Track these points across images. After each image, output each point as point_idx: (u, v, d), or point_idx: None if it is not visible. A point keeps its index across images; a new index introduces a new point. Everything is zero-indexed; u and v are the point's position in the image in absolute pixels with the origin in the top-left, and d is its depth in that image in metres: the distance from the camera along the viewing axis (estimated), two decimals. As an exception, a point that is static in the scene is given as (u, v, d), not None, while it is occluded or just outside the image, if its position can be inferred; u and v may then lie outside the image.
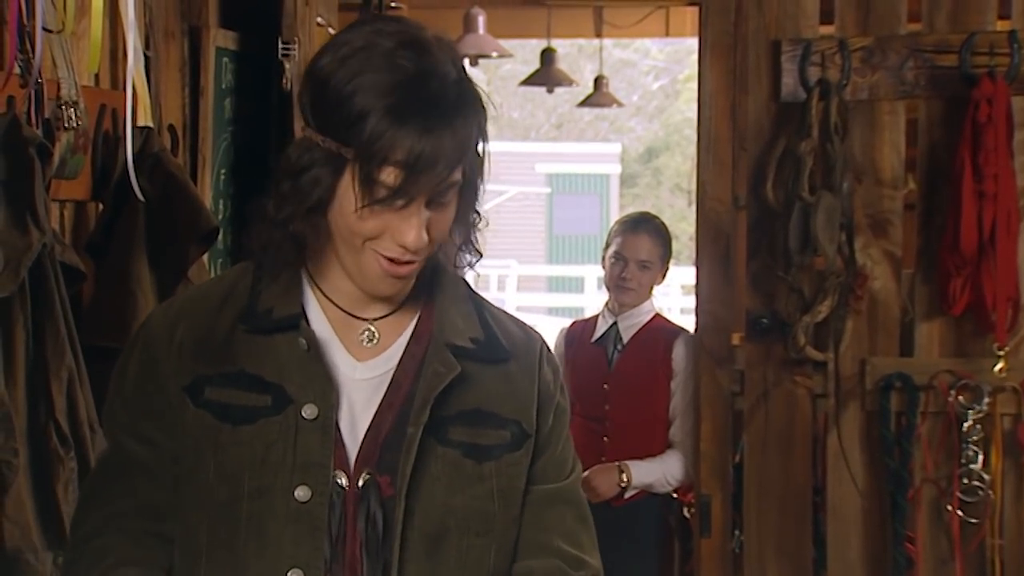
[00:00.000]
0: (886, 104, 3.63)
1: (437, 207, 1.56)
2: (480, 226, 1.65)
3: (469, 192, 1.59)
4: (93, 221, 2.71)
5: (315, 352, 1.61)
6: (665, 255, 4.02)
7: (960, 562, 3.66)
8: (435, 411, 1.61)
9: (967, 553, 3.67)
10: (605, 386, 3.90)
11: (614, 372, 3.93)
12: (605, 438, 3.89)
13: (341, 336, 1.64)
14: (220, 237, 2.99)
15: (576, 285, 21.69)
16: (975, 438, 3.61)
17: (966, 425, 3.61)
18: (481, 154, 1.59)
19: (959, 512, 3.64)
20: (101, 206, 2.69)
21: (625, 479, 3.84)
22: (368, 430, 1.61)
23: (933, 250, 3.62)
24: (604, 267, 4.05)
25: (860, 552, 3.74)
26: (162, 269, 2.66)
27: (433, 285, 1.67)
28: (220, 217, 3.36)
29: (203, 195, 3.13)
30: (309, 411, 1.59)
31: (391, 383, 1.63)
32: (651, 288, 4.01)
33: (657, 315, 4.05)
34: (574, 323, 4.20)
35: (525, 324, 1.75)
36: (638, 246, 3.96)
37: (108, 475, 1.66)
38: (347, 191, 1.54)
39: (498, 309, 1.73)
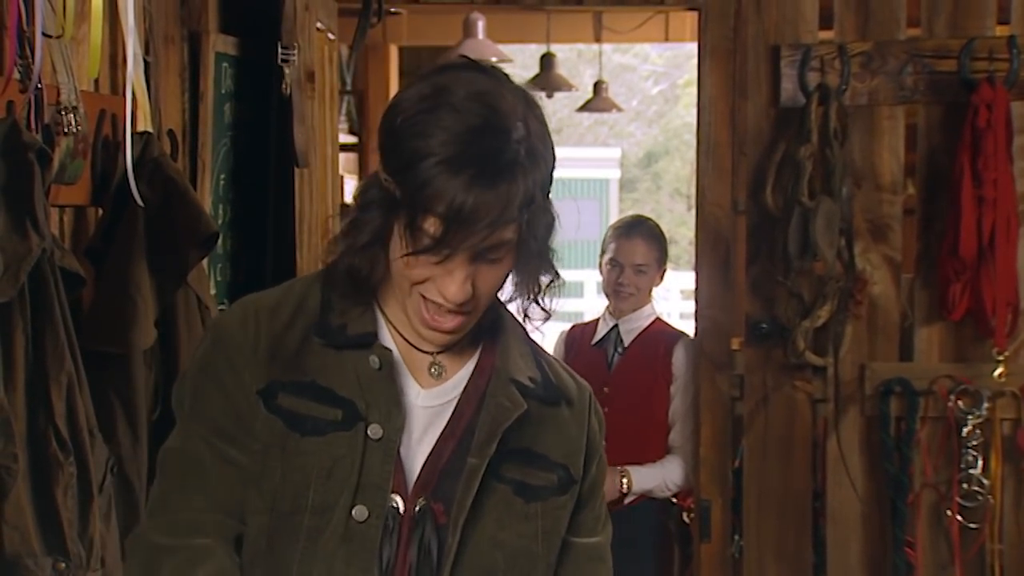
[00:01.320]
0: (885, 109, 3.63)
1: (487, 263, 1.53)
2: (552, 287, 1.61)
3: (527, 252, 1.54)
4: (93, 226, 2.71)
5: (387, 372, 1.60)
6: (661, 258, 4.00)
7: (960, 567, 3.65)
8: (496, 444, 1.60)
9: (967, 558, 3.67)
10: (605, 389, 3.84)
11: (614, 375, 3.90)
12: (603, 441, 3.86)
13: (408, 363, 1.63)
14: (220, 242, 2.99)
15: (576, 290, 21.70)
16: (975, 443, 3.61)
17: (966, 430, 3.61)
18: (545, 214, 1.54)
19: (959, 517, 3.64)
20: (101, 211, 2.69)
21: (626, 484, 3.81)
22: (429, 457, 1.60)
23: (933, 255, 3.62)
24: (601, 273, 4.05)
25: (860, 557, 3.73)
26: (162, 274, 2.66)
27: (495, 322, 1.66)
28: (220, 222, 3.36)
29: (203, 200, 3.13)
30: (375, 431, 1.58)
31: (454, 412, 1.62)
32: (649, 291, 4.00)
33: (658, 319, 4.02)
34: (573, 327, 4.17)
35: (574, 372, 1.75)
36: (633, 250, 3.94)
37: (189, 470, 1.61)
38: (398, 234, 1.53)
39: (548, 354, 1.73)
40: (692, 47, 3.91)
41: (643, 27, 7.63)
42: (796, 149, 3.57)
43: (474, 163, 1.46)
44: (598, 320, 4.07)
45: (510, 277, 1.59)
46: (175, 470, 1.63)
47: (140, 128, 2.73)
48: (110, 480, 2.37)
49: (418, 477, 1.60)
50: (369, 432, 1.57)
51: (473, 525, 1.59)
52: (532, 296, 1.61)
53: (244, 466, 1.59)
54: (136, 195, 2.59)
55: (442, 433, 1.61)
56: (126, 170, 2.58)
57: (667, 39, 7.89)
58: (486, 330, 1.65)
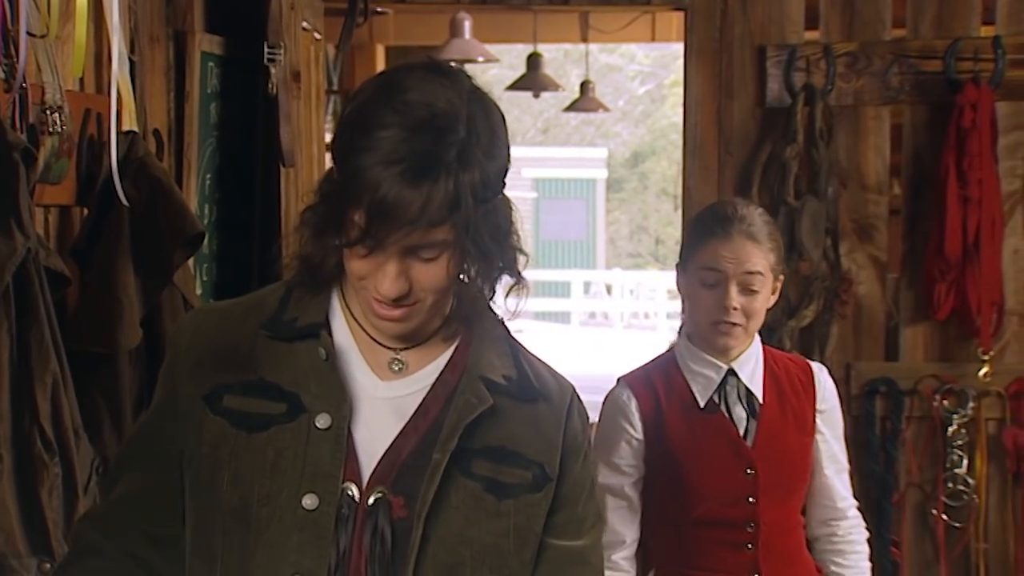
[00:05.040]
0: (871, 109, 3.64)
1: (421, 261, 1.53)
2: (510, 284, 1.61)
3: (467, 253, 1.54)
4: (78, 226, 2.70)
5: (333, 362, 1.60)
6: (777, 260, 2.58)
7: (945, 566, 3.67)
8: (462, 442, 1.60)
9: (952, 557, 3.68)
10: (749, 471, 2.54)
11: (758, 446, 2.56)
12: (750, 546, 2.55)
13: (366, 354, 1.64)
14: (205, 242, 2.99)
15: (563, 290, 21.70)
16: (960, 442, 3.62)
17: (951, 429, 3.62)
18: (489, 217, 1.54)
19: (944, 516, 3.65)
20: (86, 211, 2.69)
21: None
22: (388, 449, 1.60)
23: (918, 255, 3.63)
24: (680, 291, 2.66)
25: (845, 556, 3.74)
26: (147, 274, 2.65)
27: (472, 320, 1.65)
28: (205, 222, 3.35)
29: (188, 200, 3.12)
30: (323, 420, 1.58)
31: (419, 407, 1.62)
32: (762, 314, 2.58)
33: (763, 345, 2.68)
34: (634, 382, 2.61)
35: (557, 372, 1.73)
36: (741, 253, 2.52)
37: (123, 466, 1.69)
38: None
39: (533, 354, 1.71)
40: (679, 47, 3.92)
41: (630, 27, 7.64)
42: (782, 149, 3.57)
43: (403, 160, 1.47)
44: (671, 362, 2.61)
45: (465, 277, 1.58)
46: (115, 462, 1.73)
47: (125, 127, 2.72)
48: (95, 480, 2.37)
49: (376, 468, 1.59)
50: (317, 422, 1.58)
51: (440, 521, 1.58)
52: (486, 297, 1.61)
53: (176, 466, 1.63)
54: (121, 195, 2.59)
55: (404, 427, 1.61)
56: (111, 170, 2.58)
57: (654, 39, 7.91)
58: (461, 328, 1.65)
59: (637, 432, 2.56)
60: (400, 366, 1.64)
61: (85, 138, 2.63)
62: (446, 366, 1.64)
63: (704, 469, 2.56)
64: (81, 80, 2.67)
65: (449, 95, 1.52)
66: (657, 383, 2.59)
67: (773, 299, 2.57)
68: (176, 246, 2.70)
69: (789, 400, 2.60)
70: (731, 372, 2.56)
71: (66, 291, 2.45)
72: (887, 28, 3.65)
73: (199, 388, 1.62)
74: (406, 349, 1.64)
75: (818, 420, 2.62)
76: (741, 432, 2.56)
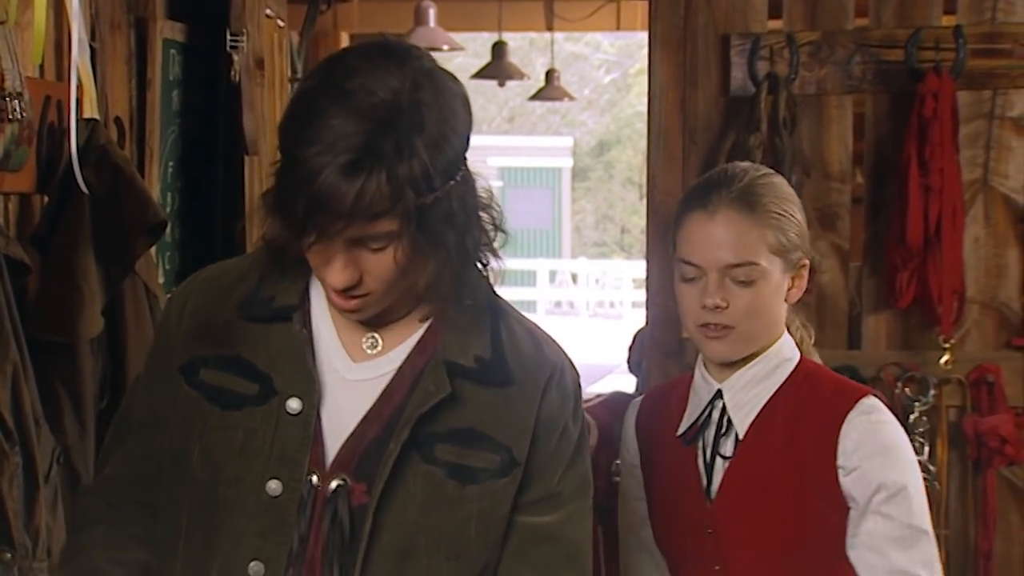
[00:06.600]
0: (834, 98, 3.66)
1: (369, 251, 1.51)
2: (480, 267, 1.61)
3: (418, 240, 1.51)
4: (38, 214, 2.68)
5: (307, 344, 1.60)
6: (786, 242, 1.98)
7: (906, 552, 3.69)
8: (424, 427, 1.58)
9: (913, 543, 3.71)
10: (709, 531, 1.98)
11: (719, 502, 1.97)
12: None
13: (342, 335, 1.62)
14: (168, 230, 2.97)
15: (529, 278, 21.71)
16: (921, 430, 3.64)
17: (912, 417, 3.64)
18: (439, 205, 1.50)
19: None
20: (46, 199, 2.67)
21: None
22: (351, 435, 1.59)
23: (880, 243, 3.65)
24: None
25: (808, 543, 3.76)
26: (108, 263, 2.63)
27: (449, 296, 1.60)
28: (168, 210, 3.33)
29: (150, 188, 3.11)
30: (293, 405, 1.58)
31: (384, 391, 1.61)
32: (773, 313, 1.98)
33: (806, 365, 2.02)
34: (645, 397, 2.18)
35: (546, 343, 1.66)
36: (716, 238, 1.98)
37: (113, 436, 1.71)
38: None
39: (522, 326, 1.65)
40: (643, 36, 3.93)
41: (594, 16, 7.64)
42: (746, 138, 3.58)
43: (341, 152, 1.45)
44: (690, 378, 2.08)
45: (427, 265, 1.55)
46: (109, 434, 1.73)
47: (86, 115, 2.70)
48: (56, 470, 2.35)
49: (338, 454, 1.59)
50: (287, 406, 1.58)
51: (394, 509, 1.57)
52: (446, 284, 1.57)
53: (165, 436, 1.64)
54: (82, 183, 2.57)
55: (368, 412, 1.60)
56: (72, 157, 2.56)
57: (619, 28, 7.91)
58: (436, 309, 1.62)
59: (630, 456, 2.07)
60: (375, 343, 1.62)
61: (45, 125, 2.61)
62: (415, 348, 1.62)
63: (664, 517, 2.02)
64: (41, 67, 2.65)
65: (393, 82, 1.47)
66: (670, 398, 2.07)
67: (795, 290, 1.97)
68: (138, 235, 2.69)
69: (793, 445, 1.90)
70: (720, 394, 1.97)
71: (26, 279, 2.44)
72: (850, 17, 3.66)
73: (178, 359, 1.62)
74: (379, 328, 1.63)
75: (843, 483, 1.88)
76: (705, 481, 1.96)
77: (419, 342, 1.62)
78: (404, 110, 1.47)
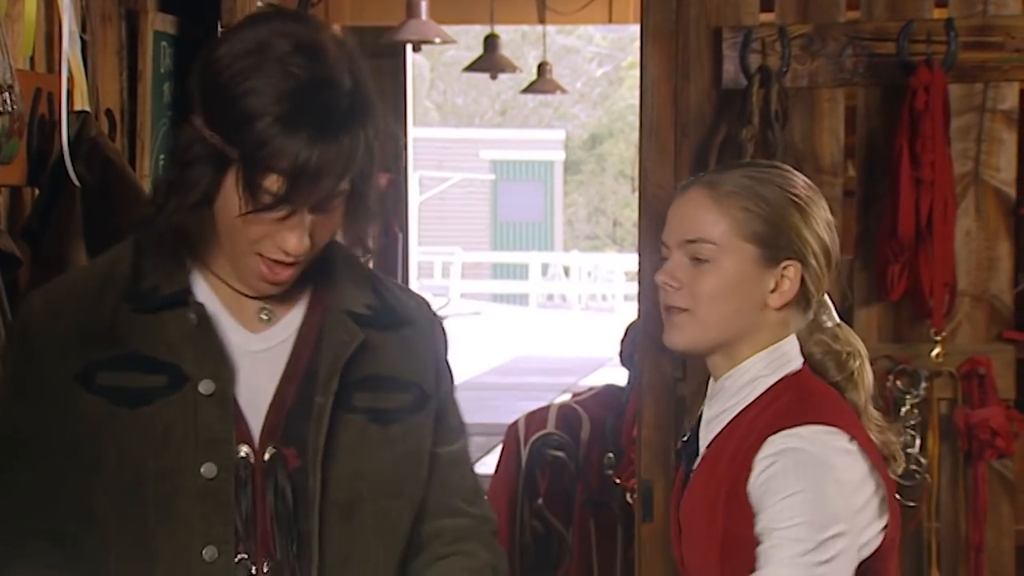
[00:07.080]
0: (825, 91, 3.66)
1: (322, 213, 1.56)
2: (371, 224, 1.65)
3: (357, 198, 1.59)
4: (29, 207, 2.68)
5: (205, 326, 1.60)
6: (755, 226, 1.89)
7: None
8: (341, 379, 1.62)
9: (904, 536, 3.71)
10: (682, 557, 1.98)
11: (682, 512, 1.95)
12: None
13: (233, 311, 1.64)
14: (159, 223, 2.96)
15: (521, 272, 21.70)
16: (912, 423, 3.65)
17: (903, 410, 3.65)
18: (374, 161, 1.57)
19: (896, 496, 3.69)
20: (37, 191, 2.66)
21: None
22: (272, 403, 1.61)
23: (871, 236, 3.66)
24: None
25: (800, 536, 3.77)
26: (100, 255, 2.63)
27: (326, 258, 1.67)
28: (159, 203, 3.32)
29: (142, 180, 3.10)
30: (206, 387, 1.58)
31: (292, 354, 1.63)
32: (741, 307, 1.87)
33: (793, 379, 1.89)
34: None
35: (414, 293, 1.79)
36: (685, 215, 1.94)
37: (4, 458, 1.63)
38: (232, 192, 1.53)
39: (388, 280, 1.75)
40: (635, 29, 3.93)
41: (587, 8, 7.64)
42: (738, 131, 3.58)
43: (311, 120, 1.49)
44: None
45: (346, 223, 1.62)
46: None
47: (77, 107, 2.70)
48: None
49: (264, 425, 1.60)
50: (200, 389, 1.58)
51: (332, 462, 1.60)
52: (362, 236, 1.65)
53: (52, 457, 1.59)
54: (73, 175, 2.57)
55: (282, 377, 1.62)
56: (63, 150, 2.56)
57: (611, 20, 7.92)
58: (317, 265, 1.66)
59: None
60: (269, 314, 1.64)
61: (36, 118, 2.60)
62: (308, 308, 1.65)
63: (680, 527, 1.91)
64: (32, 59, 2.65)
65: (323, 42, 1.53)
66: None
67: (777, 293, 1.88)
68: (129, 227, 2.68)
69: (726, 475, 1.77)
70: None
71: (17, 273, 2.43)
72: (841, 10, 3.66)
73: (69, 368, 1.59)
74: (271, 297, 1.64)
75: (752, 501, 1.74)
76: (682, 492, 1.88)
77: (310, 302, 1.66)
78: (348, 68, 1.55)
